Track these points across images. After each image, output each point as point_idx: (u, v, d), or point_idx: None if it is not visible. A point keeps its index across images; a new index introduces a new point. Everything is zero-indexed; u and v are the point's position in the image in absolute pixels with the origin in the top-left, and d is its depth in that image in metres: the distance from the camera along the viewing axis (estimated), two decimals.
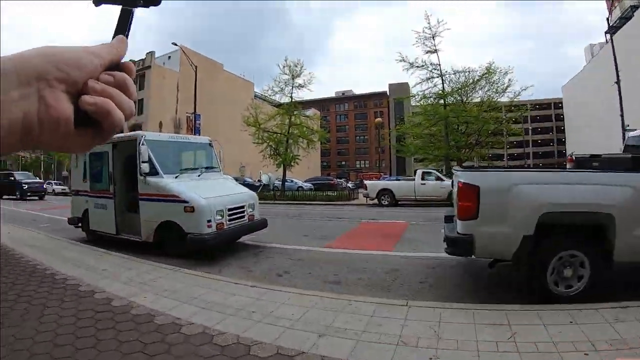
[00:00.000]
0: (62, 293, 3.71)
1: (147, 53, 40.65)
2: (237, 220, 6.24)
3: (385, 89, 71.23)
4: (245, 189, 7.28)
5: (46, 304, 3.38)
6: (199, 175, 6.66)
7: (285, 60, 21.30)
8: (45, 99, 0.33)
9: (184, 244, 5.51)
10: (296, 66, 21.23)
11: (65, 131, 0.35)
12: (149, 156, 5.87)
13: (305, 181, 29.69)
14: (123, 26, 0.42)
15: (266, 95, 22.56)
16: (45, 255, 5.54)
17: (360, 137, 77.40)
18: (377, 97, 74.55)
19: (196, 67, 24.95)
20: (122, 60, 0.41)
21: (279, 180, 20.81)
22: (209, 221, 5.58)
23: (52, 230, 8.45)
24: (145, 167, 5.83)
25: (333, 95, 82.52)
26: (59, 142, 0.36)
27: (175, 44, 26.17)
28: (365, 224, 9.88)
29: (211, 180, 6.78)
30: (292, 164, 21.44)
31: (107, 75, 0.38)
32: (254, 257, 5.97)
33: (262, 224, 6.92)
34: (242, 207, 6.50)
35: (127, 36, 0.42)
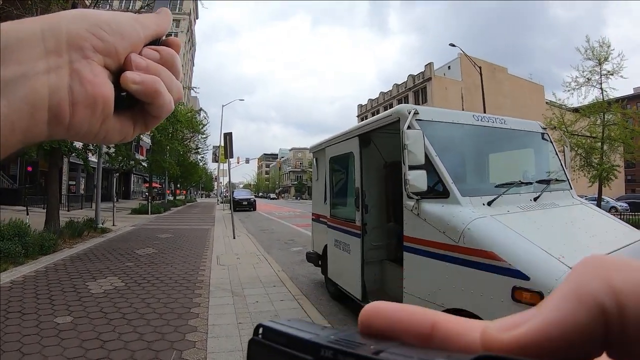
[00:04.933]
0: None
1: (426, 65, 40.81)
2: None
3: None
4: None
5: None
6: (534, 199, 2.75)
7: (587, 42, 15.92)
8: (79, 73, 0.25)
9: None
10: (601, 46, 15.66)
11: (104, 115, 0.27)
12: (426, 154, 2.50)
13: (617, 199, 24.37)
14: None
15: (568, 88, 17.01)
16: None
17: None
18: None
19: (480, 67, 21.44)
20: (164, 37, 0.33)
21: None
22: None
23: (299, 260, 6.67)
24: (418, 178, 2.45)
25: (631, 92, 61.11)
26: (94, 130, 0.27)
27: (454, 45, 23.04)
28: None
29: (560, 211, 2.78)
30: (611, 177, 15.91)
31: (152, 50, 0.30)
32: None
33: None
34: None
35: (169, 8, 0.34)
